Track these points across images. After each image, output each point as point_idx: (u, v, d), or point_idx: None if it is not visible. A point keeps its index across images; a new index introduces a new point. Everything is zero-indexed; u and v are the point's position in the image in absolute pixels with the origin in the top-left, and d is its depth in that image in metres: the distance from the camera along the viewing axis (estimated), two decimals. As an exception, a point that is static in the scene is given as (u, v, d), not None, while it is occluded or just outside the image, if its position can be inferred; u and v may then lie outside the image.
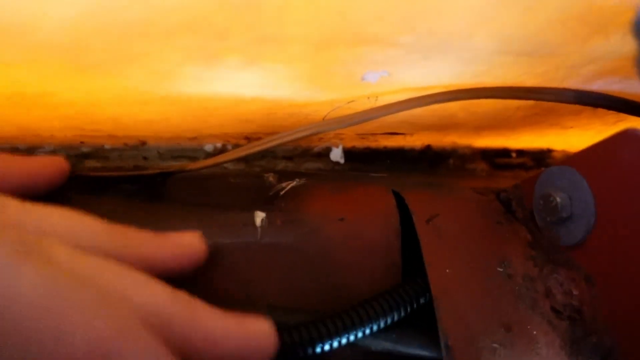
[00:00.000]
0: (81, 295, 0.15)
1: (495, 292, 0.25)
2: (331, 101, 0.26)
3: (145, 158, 0.31)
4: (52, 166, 0.23)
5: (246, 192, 0.28)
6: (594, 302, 0.24)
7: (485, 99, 0.25)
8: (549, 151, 0.38)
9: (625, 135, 0.22)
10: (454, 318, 0.23)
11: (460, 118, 0.30)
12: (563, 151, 0.39)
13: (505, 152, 0.37)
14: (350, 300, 0.24)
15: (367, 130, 0.32)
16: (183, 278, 0.21)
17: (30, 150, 0.29)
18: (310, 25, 0.19)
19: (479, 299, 0.24)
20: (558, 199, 0.24)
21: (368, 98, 0.26)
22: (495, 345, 0.23)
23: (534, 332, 0.24)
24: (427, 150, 0.36)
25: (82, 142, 0.29)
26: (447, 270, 0.25)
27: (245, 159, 0.32)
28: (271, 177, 0.28)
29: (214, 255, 0.24)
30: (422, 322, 0.24)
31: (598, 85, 0.26)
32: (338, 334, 0.21)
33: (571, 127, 0.33)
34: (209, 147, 0.32)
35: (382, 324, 0.22)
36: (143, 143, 0.30)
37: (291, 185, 0.28)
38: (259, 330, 0.19)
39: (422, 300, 0.24)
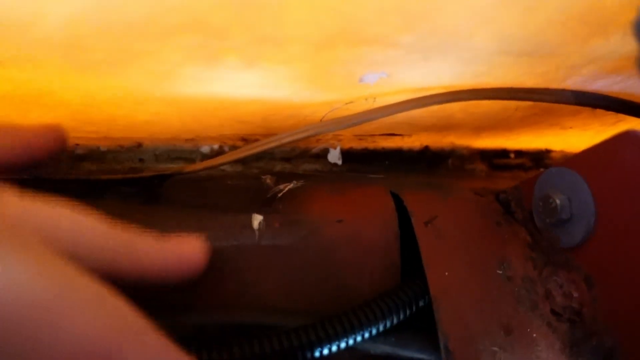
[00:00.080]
0: (80, 294, 0.15)
1: (494, 294, 0.25)
2: (329, 102, 0.26)
3: (141, 160, 0.31)
4: (49, 134, 0.23)
5: (244, 194, 0.28)
6: (594, 304, 0.23)
7: (485, 100, 0.24)
8: (547, 152, 0.38)
9: (625, 137, 0.22)
10: (454, 320, 0.23)
11: (458, 119, 0.30)
12: (562, 151, 0.39)
13: (504, 153, 0.37)
14: (349, 302, 0.24)
15: (365, 132, 0.32)
16: (183, 282, 0.21)
17: (25, 151, 0.28)
18: (310, 26, 0.19)
19: (478, 301, 0.24)
20: (558, 201, 0.24)
21: (366, 99, 0.26)
22: (494, 348, 0.23)
23: (534, 335, 0.24)
24: (426, 151, 0.35)
25: (77, 144, 0.29)
26: (446, 272, 0.25)
27: (242, 161, 0.32)
28: (269, 179, 0.28)
29: (212, 258, 0.24)
30: (421, 325, 0.24)
31: (598, 86, 0.26)
32: (337, 337, 0.21)
33: (570, 128, 0.33)
34: (205, 149, 0.31)
35: (380, 328, 0.22)
36: (139, 145, 0.30)
37: (289, 187, 0.28)
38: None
39: (421, 303, 0.24)
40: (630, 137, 0.21)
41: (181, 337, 0.17)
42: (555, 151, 0.38)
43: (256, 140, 0.28)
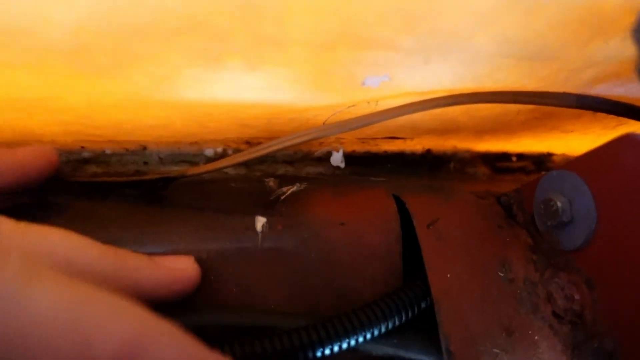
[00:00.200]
0: (96, 304, 0.15)
1: (496, 296, 0.25)
2: (332, 106, 0.26)
3: (145, 163, 0.31)
4: (41, 157, 0.23)
5: (247, 196, 0.28)
6: (595, 307, 0.23)
7: (486, 103, 0.25)
8: (549, 155, 0.38)
9: (626, 140, 0.22)
10: (455, 322, 0.23)
11: (460, 122, 0.30)
12: (563, 155, 0.39)
13: (505, 156, 0.37)
14: (351, 304, 0.24)
15: (367, 135, 0.32)
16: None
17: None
18: (311, 29, 0.19)
19: (480, 303, 0.24)
20: (559, 204, 0.24)
21: (368, 102, 0.26)
22: (496, 349, 0.23)
23: (535, 337, 0.24)
24: (428, 154, 0.36)
25: (82, 147, 0.29)
26: (448, 274, 0.25)
27: (245, 164, 0.32)
28: (272, 182, 0.28)
29: (215, 260, 0.24)
30: (423, 327, 0.24)
31: (599, 89, 0.26)
32: (338, 338, 0.21)
33: (571, 131, 0.33)
34: (209, 152, 0.32)
35: (382, 329, 0.22)
36: (144, 148, 0.30)
37: (292, 190, 0.28)
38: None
39: (422, 304, 0.24)
40: (630, 140, 0.21)
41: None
42: (557, 154, 0.38)
43: (259, 143, 0.28)
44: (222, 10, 0.18)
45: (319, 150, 0.33)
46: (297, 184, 0.28)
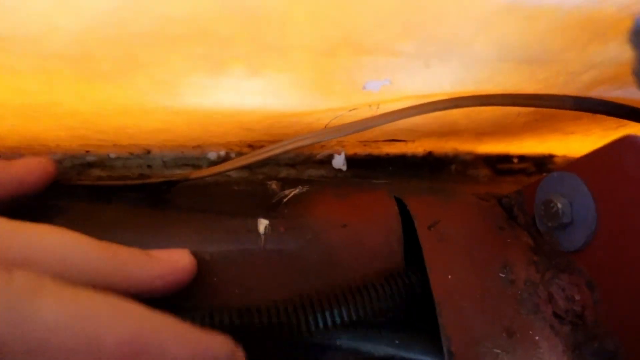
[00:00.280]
0: (98, 307, 0.16)
1: (497, 297, 0.25)
2: (333, 109, 0.26)
3: (149, 166, 0.31)
4: (38, 169, 0.23)
5: (249, 199, 0.28)
6: (596, 307, 0.24)
7: (486, 106, 0.25)
8: (550, 157, 0.39)
9: (625, 142, 0.22)
10: (457, 323, 0.23)
11: (461, 125, 0.30)
12: (564, 157, 0.39)
13: (507, 158, 0.38)
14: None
15: (369, 138, 0.32)
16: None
17: (36, 159, 0.29)
18: (312, 35, 0.19)
19: (481, 304, 0.25)
20: (559, 205, 0.25)
21: (370, 106, 0.26)
22: (497, 350, 0.23)
23: (536, 338, 0.24)
24: (429, 157, 0.36)
25: (87, 152, 0.30)
26: (449, 276, 0.25)
27: (248, 167, 0.32)
28: (274, 185, 0.29)
29: (218, 262, 0.24)
30: (424, 328, 0.24)
31: (598, 92, 0.26)
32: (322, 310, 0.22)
33: (572, 133, 0.34)
34: (212, 155, 0.32)
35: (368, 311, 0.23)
36: (148, 152, 0.31)
37: (294, 192, 0.28)
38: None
39: (415, 293, 0.24)
40: (630, 141, 0.22)
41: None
42: (558, 156, 0.39)
43: (262, 146, 0.28)
44: (225, 18, 0.18)
45: (321, 153, 0.33)
46: (300, 187, 0.28)
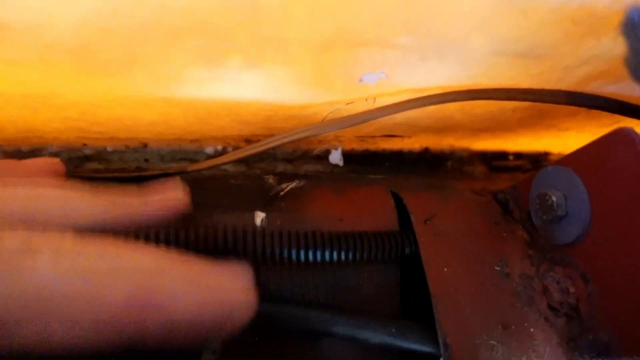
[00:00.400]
0: (100, 261, 0.15)
1: (492, 290, 0.25)
2: (330, 103, 0.26)
3: (146, 160, 0.31)
4: (49, 169, 0.24)
5: (246, 193, 0.28)
6: (591, 299, 0.24)
7: (481, 100, 0.25)
8: (546, 154, 0.39)
9: (618, 134, 0.22)
10: (452, 316, 0.24)
11: (457, 120, 0.30)
12: (560, 154, 0.39)
13: (502, 155, 0.38)
14: (350, 299, 0.25)
15: (365, 133, 0.32)
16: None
17: (33, 152, 0.29)
18: (310, 27, 0.20)
19: (476, 297, 0.25)
20: (554, 198, 0.25)
21: (366, 100, 0.26)
22: (492, 342, 0.23)
23: (531, 330, 0.24)
24: (426, 153, 0.36)
25: (84, 144, 0.30)
26: (445, 269, 0.25)
27: (245, 161, 0.32)
28: (271, 179, 0.29)
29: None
30: (421, 317, 0.24)
31: (592, 87, 0.26)
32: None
33: (567, 130, 0.34)
34: (209, 150, 0.32)
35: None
36: (145, 145, 0.31)
37: (291, 186, 0.28)
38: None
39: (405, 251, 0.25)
40: (622, 134, 0.22)
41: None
42: (553, 154, 0.39)
43: (259, 141, 0.29)
44: (223, 9, 0.18)
45: (318, 149, 0.33)
46: (296, 181, 0.28)
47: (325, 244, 0.23)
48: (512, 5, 0.19)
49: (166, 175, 0.27)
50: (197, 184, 0.29)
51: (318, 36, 0.20)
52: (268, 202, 0.27)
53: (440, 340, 0.22)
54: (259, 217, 0.26)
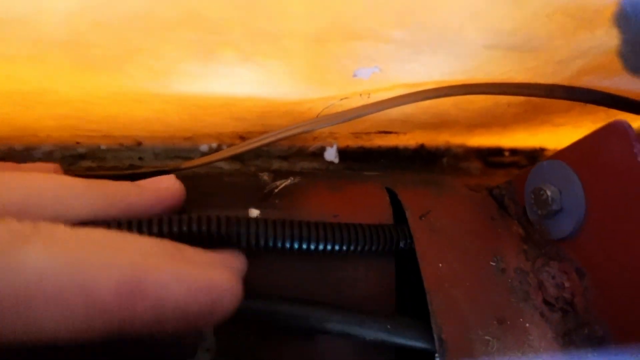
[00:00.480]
0: (90, 248, 0.15)
1: (488, 285, 0.25)
2: (325, 98, 0.26)
3: (140, 158, 0.31)
4: (48, 171, 0.24)
5: (241, 190, 0.28)
6: (586, 294, 0.24)
7: (476, 94, 0.25)
8: (541, 150, 0.39)
9: (612, 128, 0.22)
10: (447, 311, 0.23)
11: (452, 115, 0.30)
12: (555, 150, 0.39)
13: (498, 151, 0.38)
14: (345, 295, 0.25)
15: (361, 129, 0.32)
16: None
17: (26, 150, 0.29)
18: (303, 20, 0.19)
19: (472, 293, 0.25)
20: (549, 193, 0.25)
21: (361, 95, 0.26)
22: (488, 337, 0.23)
23: (527, 325, 0.24)
24: (421, 150, 0.36)
25: (77, 143, 0.30)
26: (441, 265, 0.25)
27: (240, 159, 0.32)
28: (266, 176, 0.29)
29: None
30: (416, 314, 0.24)
31: (587, 81, 0.26)
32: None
33: (562, 125, 0.34)
34: (204, 148, 0.32)
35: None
36: (139, 143, 0.31)
37: (285, 183, 0.28)
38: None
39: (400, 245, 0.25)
40: (616, 127, 0.22)
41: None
42: (549, 149, 0.39)
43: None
44: (216, 1, 0.18)
45: (313, 146, 0.33)
46: (291, 178, 0.28)
47: (319, 233, 0.23)
48: (506, -3, 0.19)
49: (160, 173, 0.27)
50: (191, 181, 0.28)
51: (312, 29, 0.20)
52: (262, 199, 0.27)
53: (436, 336, 0.22)
54: (253, 214, 0.26)
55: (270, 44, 0.21)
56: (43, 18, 0.17)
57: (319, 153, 0.33)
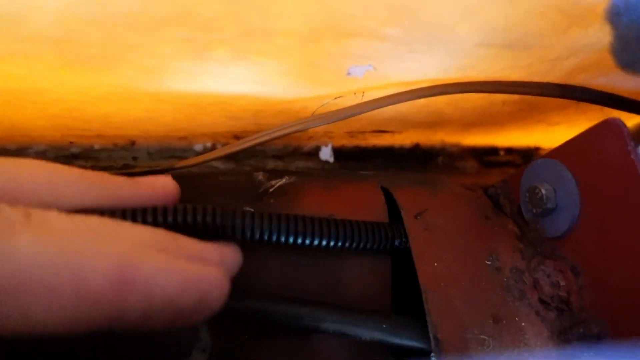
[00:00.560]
0: (81, 237, 0.15)
1: (483, 284, 0.25)
2: (319, 97, 0.26)
3: (134, 158, 0.31)
4: None
5: (235, 189, 0.28)
6: (581, 293, 0.24)
7: (471, 92, 0.25)
8: (536, 149, 0.39)
9: (606, 125, 0.22)
10: (443, 310, 0.23)
11: (447, 114, 0.30)
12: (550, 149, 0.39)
13: (493, 150, 0.38)
14: (340, 294, 0.24)
15: (356, 128, 0.32)
16: None
17: (19, 150, 0.29)
18: (296, 18, 0.19)
19: (467, 292, 0.25)
20: (543, 191, 0.25)
21: (355, 94, 0.26)
22: (483, 336, 0.23)
23: (522, 324, 0.24)
24: (416, 149, 0.36)
25: (71, 143, 0.29)
26: (436, 264, 0.25)
27: (235, 158, 0.32)
28: (261, 175, 0.29)
29: None
30: (412, 314, 0.24)
31: (581, 79, 0.26)
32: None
33: (557, 124, 0.34)
34: (198, 147, 0.32)
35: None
36: (132, 143, 0.31)
37: (280, 183, 0.28)
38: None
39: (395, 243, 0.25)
40: (610, 125, 0.22)
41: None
42: (544, 148, 0.39)
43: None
44: (208, -1, 0.18)
45: (308, 145, 0.33)
46: (286, 177, 0.28)
47: (314, 227, 0.23)
48: (500, -6, 0.19)
49: (154, 172, 0.27)
50: (186, 181, 0.28)
51: (305, 26, 0.20)
52: (257, 198, 0.27)
53: (431, 335, 0.22)
54: (248, 213, 0.25)
55: (264, 42, 0.21)
56: (34, 15, 0.17)
57: (314, 152, 0.33)
